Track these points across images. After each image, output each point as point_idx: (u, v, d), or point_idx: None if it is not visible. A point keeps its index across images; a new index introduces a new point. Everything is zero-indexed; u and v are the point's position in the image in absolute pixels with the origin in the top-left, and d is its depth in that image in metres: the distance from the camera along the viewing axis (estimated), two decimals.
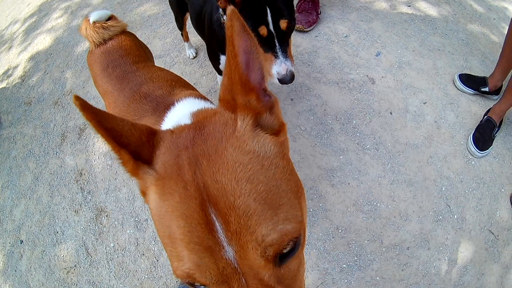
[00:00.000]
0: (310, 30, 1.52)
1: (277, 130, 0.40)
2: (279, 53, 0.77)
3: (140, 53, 0.85)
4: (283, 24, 0.74)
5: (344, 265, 1.09)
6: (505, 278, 1.17)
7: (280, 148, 0.38)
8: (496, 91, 1.50)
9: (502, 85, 1.49)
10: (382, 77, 1.40)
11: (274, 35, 0.76)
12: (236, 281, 0.32)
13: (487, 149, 1.33)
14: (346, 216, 1.12)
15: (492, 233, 1.25)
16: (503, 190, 1.33)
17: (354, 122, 1.27)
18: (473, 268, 1.18)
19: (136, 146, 0.37)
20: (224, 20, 0.86)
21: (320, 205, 1.11)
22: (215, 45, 0.97)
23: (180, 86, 0.73)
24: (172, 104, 0.63)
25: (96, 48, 0.83)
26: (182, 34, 1.42)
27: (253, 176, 0.33)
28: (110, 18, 0.87)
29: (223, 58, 0.99)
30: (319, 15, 1.54)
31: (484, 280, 1.17)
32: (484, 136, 1.33)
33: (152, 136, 0.39)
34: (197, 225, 0.32)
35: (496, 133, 1.36)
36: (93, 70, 0.83)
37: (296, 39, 1.47)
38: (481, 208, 1.29)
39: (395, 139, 1.28)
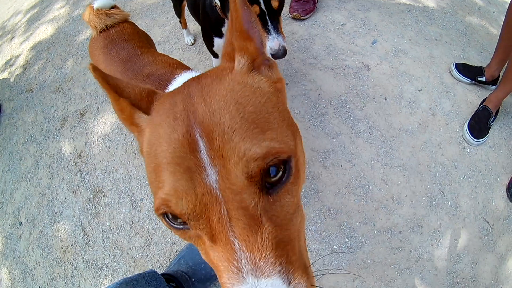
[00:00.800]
0: (307, 18, 1.55)
1: (275, 81, 0.41)
2: (271, 30, 0.82)
3: (142, 39, 0.90)
4: (274, 3, 0.80)
5: (335, 247, 1.11)
6: (499, 269, 1.17)
7: (275, 90, 0.39)
8: (493, 81, 1.52)
9: (499, 76, 1.51)
10: (377, 64, 1.43)
11: (266, 13, 0.80)
12: (216, 213, 0.30)
13: (483, 137, 1.34)
14: (338, 198, 1.14)
15: (487, 222, 1.26)
16: (498, 179, 1.34)
17: (348, 106, 1.30)
18: (467, 256, 1.19)
19: (135, 100, 0.41)
20: (215, 2, 0.91)
21: (312, 186, 1.14)
22: (209, 27, 1.02)
23: (181, 68, 0.77)
24: (174, 78, 0.67)
25: (99, 34, 0.87)
26: (180, 22, 1.47)
27: (244, 99, 0.33)
28: (113, 7, 0.92)
29: (216, 40, 1.03)
30: (316, 4, 1.58)
31: (478, 269, 1.17)
32: (479, 124, 1.34)
33: (152, 93, 0.41)
34: (180, 146, 0.31)
35: (492, 122, 1.37)
36: (96, 55, 0.87)
37: (292, 26, 1.51)
38: (476, 196, 1.29)
39: (389, 124, 1.30)
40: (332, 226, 1.12)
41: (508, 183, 1.29)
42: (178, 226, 0.33)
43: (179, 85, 0.41)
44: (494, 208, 1.27)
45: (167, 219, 0.33)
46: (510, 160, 1.37)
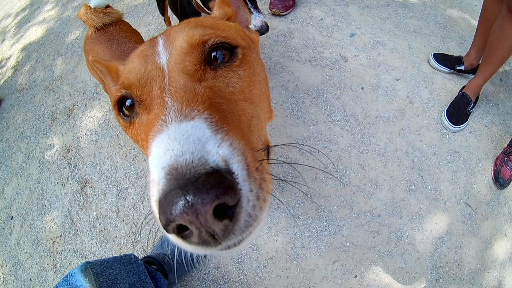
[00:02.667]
0: (286, 14, 1.65)
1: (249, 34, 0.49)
2: (252, 9, 0.95)
3: (139, 36, 0.99)
4: None
5: (313, 230, 1.18)
6: (485, 253, 1.22)
7: (246, 34, 0.46)
8: (472, 70, 1.59)
9: (478, 64, 1.59)
10: (355, 55, 1.52)
11: None
12: (159, 82, 0.33)
13: (462, 124, 1.41)
14: (316, 183, 1.22)
15: (470, 206, 1.31)
16: (480, 164, 1.40)
17: (325, 96, 1.38)
18: (450, 240, 1.24)
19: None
20: None
21: (290, 171, 1.22)
22: None
23: None
24: None
25: (96, 32, 0.94)
26: (164, 20, 1.57)
27: (206, 21, 0.41)
28: (107, 7, 1.00)
29: None
30: (295, 0, 1.68)
31: (462, 253, 1.22)
32: (458, 111, 1.41)
33: None
34: (143, 48, 0.39)
35: (471, 109, 1.44)
36: (94, 50, 0.93)
37: (272, 22, 1.61)
38: (457, 181, 1.35)
39: (366, 112, 1.38)
40: (310, 210, 1.19)
41: (494, 171, 1.35)
42: (126, 118, 0.37)
43: None
44: (477, 193, 1.32)
45: (120, 112, 0.38)
46: (492, 146, 1.44)
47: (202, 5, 1.00)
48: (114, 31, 0.94)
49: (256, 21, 0.97)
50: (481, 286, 1.17)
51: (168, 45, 0.37)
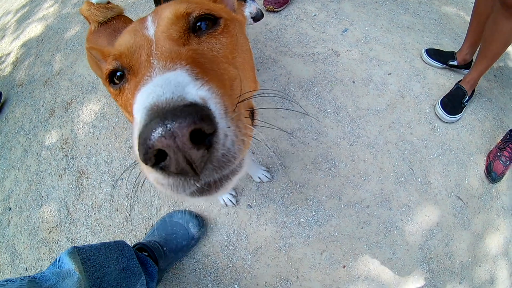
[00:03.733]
0: (280, 10, 1.71)
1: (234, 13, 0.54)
2: None
3: None
4: None
5: (302, 220, 1.22)
6: (476, 247, 1.24)
7: (231, 13, 0.50)
8: (465, 65, 1.63)
9: (471, 60, 1.63)
10: (347, 50, 1.57)
11: None
12: (147, 49, 0.36)
13: (457, 114, 1.43)
14: (305, 174, 1.27)
15: (461, 200, 1.34)
16: (472, 158, 1.44)
17: (316, 89, 1.43)
18: (440, 232, 1.26)
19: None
20: None
21: (279, 162, 1.27)
22: None
23: None
24: None
25: (99, 26, 0.98)
26: None
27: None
28: (108, 2, 1.04)
29: None
30: None
31: (453, 245, 1.24)
32: (452, 102, 1.43)
33: None
34: (134, 25, 0.43)
35: (466, 101, 1.47)
36: (98, 44, 0.96)
37: (266, 18, 1.67)
38: (448, 174, 1.38)
39: (356, 105, 1.43)
40: (299, 200, 1.24)
41: (486, 165, 1.38)
42: (116, 86, 0.41)
43: None
44: (468, 186, 1.35)
45: (110, 83, 0.42)
46: (484, 141, 1.47)
47: None
48: (117, 24, 0.99)
49: (251, 8, 1.07)
50: (473, 279, 1.19)
51: (156, 19, 0.41)
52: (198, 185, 0.28)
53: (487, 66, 1.36)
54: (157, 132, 0.24)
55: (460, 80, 1.49)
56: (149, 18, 0.43)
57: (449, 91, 1.50)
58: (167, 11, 0.41)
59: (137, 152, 0.27)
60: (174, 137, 0.24)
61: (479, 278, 1.20)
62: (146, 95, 0.27)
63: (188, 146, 0.24)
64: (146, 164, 0.26)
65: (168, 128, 0.24)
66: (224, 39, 0.42)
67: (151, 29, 0.40)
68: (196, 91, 0.27)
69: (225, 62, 0.39)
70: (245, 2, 1.07)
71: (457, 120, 1.46)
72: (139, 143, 0.25)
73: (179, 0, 0.44)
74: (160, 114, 0.25)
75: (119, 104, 0.45)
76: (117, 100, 0.44)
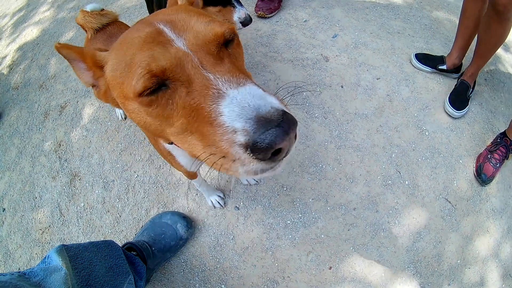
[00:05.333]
0: (271, 16, 1.78)
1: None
2: (236, 4, 1.11)
3: None
4: None
5: (289, 221, 1.28)
6: (465, 249, 1.28)
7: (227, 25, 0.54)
8: (455, 69, 1.70)
9: (461, 64, 1.69)
10: (336, 55, 1.63)
11: None
12: (189, 62, 0.40)
13: (464, 108, 1.54)
14: (292, 176, 1.32)
15: (449, 202, 1.38)
16: (461, 161, 1.48)
17: (304, 94, 1.49)
18: (428, 235, 1.30)
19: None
20: None
21: None
22: None
23: None
24: None
25: (96, 33, 1.02)
26: None
27: (192, 11, 0.48)
28: (102, 10, 1.09)
29: None
30: (281, 3, 1.80)
31: (441, 248, 1.27)
32: (459, 97, 1.54)
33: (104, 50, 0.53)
34: (149, 35, 0.42)
35: (470, 93, 1.57)
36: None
37: (257, 24, 1.73)
38: (436, 177, 1.43)
39: (344, 109, 1.49)
40: (285, 202, 1.29)
41: (476, 168, 1.42)
42: (148, 96, 0.41)
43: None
44: (457, 189, 1.39)
45: (145, 95, 0.41)
46: (474, 144, 1.52)
47: None
48: (114, 30, 1.03)
49: (240, 13, 1.13)
50: (462, 281, 1.22)
51: (181, 32, 0.42)
52: (278, 164, 0.38)
53: (484, 62, 1.50)
54: (280, 137, 0.33)
55: (461, 75, 1.59)
56: (166, 30, 0.42)
57: (454, 86, 1.60)
58: (200, 27, 0.43)
59: (243, 155, 0.35)
60: (289, 138, 0.34)
61: (468, 280, 1.22)
62: (239, 109, 0.35)
63: (293, 141, 0.36)
64: (261, 159, 0.35)
65: (285, 132, 0.33)
66: (240, 49, 0.50)
67: (178, 42, 0.41)
68: (275, 100, 0.37)
69: (243, 62, 0.49)
70: (234, 8, 1.13)
71: (465, 113, 1.56)
72: (258, 146, 0.33)
73: (195, 13, 0.47)
74: (273, 123, 0.33)
75: (150, 115, 0.44)
76: (150, 113, 0.44)
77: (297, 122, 0.36)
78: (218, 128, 0.35)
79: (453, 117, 1.54)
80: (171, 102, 0.41)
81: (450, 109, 1.53)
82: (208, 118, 0.36)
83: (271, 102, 0.35)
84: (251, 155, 0.34)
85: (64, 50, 0.52)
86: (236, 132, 0.34)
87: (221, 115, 0.35)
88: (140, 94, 0.40)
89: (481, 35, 1.40)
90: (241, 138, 0.34)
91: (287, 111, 0.36)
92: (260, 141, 0.33)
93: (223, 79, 0.38)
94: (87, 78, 0.55)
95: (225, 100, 0.36)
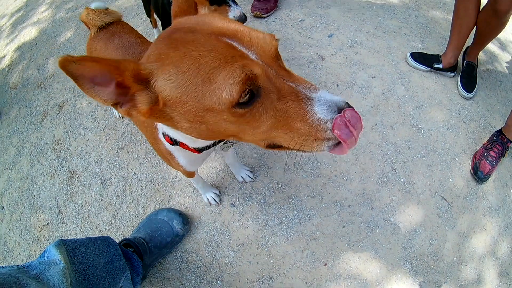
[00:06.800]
0: (268, 16, 1.81)
1: None
2: (231, 3, 1.14)
3: (139, 33, 1.10)
4: None
5: (284, 218, 1.31)
6: (462, 246, 1.30)
7: None
8: (451, 68, 1.73)
9: (456, 62, 1.73)
10: (332, 54, 1.67)
11: None
12: (270, 72, 0.46)
13: (474, 89, 1.66)
14: (287, 174, 1.35)
15: (445, 199, 1.40)
16: (457, 159, 1.51)
17: None
18: (424, 232, 1.32)
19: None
20: None
21: (262, 163, 1.36)
22: (167, 21, 1.28)
23: None
24: None
25: (99, 31, 1.05)
26: (151, 21, 1.74)
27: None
28: (106, 9, 1.12)
29: None
30: (277, 3, 1.84)
31: (437, 245, 1.29)
32: (469, 78, 1.66)
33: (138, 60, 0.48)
34: (223, 49, 0.44)
35: (475, 72, 1.70)
36: (97, 49, 1.05)
37: (253, 24, 1.77)
38: (432, 175, 1.45)
39: None
40: (280, 199, 1.32)
41: (472, 165, 1.45)
42: (245, 106, 0.45)
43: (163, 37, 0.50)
44: (453, 186, 1.41)
45: (238, 105, 0.45)
46: (470, 142, 1.55)
47: None
48: (116, 29, 1.06)
49: (235, 12, 1.17)
50: (459, 279, 1.24)
51: (249, 46, 0.46)
52: None
53: (485, 45, 1.64)
54: (356, 123, 0.46)
55: (464, 57, 1.71)
56: (234, 43, 0.45)
57: (462, 69, 1.71)
58: (263, 41, 0.48)
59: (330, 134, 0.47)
60: (360, 124, 0.47)
61: (465, 277, 1.24)
62: (327, 106, 0.46)
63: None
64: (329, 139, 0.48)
65: (358, 120, 0.47)
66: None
67: (252, 55, 0.45)
68: (339, 96, 0.48)
69: None
70: (229, 7, 1.17)
71: (476, 93, 1.69)
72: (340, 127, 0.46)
73: (252, 29, 0.50)
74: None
75: (235, 120, 0.48)
76: (242, 119, 0.47)
77: None
78: (311, 121, 0.46)
79: (467, 99, 1.67)
80: (262, 108, 0.47)
81: (465, 94, 1.64)
82: (302, 116, 0.46)
83: (340, 99, 0.48)
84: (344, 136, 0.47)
85: (88, 63, 0.40)
86: (327, 122, 0.46)
87: (316, 113, 0.46)
88: (234, 105, 0.44)
89: (480, 27, 1.50)
90: (328, 123, 0.46)
91: (349, 103, 0.49)
92: (342, 122, 0.46)
93: (303, 87, 0.47)
94: (109, 95, 0.46)
95: (314, 102, 0.46)
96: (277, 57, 0.50)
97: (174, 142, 0.70)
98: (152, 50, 0.48)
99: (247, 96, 0.44)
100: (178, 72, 0.44)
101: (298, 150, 0.51)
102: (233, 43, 0.45)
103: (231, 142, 0.89)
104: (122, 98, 0.47)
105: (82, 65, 0.40)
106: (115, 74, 0.43)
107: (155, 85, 0.46)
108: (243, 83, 0.42)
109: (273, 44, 0.49)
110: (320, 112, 0.46)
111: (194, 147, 0.72)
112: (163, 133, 0.72)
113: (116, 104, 0.48)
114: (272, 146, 0.54)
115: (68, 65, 0.39)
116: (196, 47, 0.44)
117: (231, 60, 0.43)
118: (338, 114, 0.45)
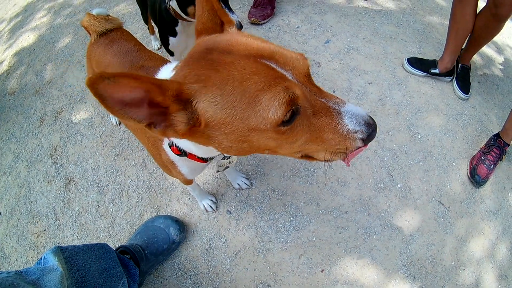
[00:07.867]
0: (264, 23, 1.84)
1: None
2: (227, 11, 1.13)
3: (138, 41, 1.12)
4: None
5: (280, 225, 1.33)
6: (460, 251, 1.31)
7: None
8: (447, 73, 1.76)
9: (453, 67, 1.76)
10: (328, 61, 1.70)
11: None
12: (305, 91, 0.50)
13: (469, 90, 1.72)
14: (283, 180, 1.37)
15: (443, 204, 1.41)
16: (454, 164, 1.53)
17: None
18: (421, 237, 1.33)
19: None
20: (168, 6, 1.20)
21: (258, 170, 1.38)
22: (164, 28, 1.31)
23: (164, 62, 0.94)
24: (159, 70, 0.71)
25: (99, 38, 1.07)
26: (148, 28, 1.77)
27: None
28: (108, 16, 1.14)
29: (171, 39, 1.32)
30: (274, 9, 1.87)
31: (435, 250, 1.31)
32: (464, 81, 1.72)
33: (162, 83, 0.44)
34: (264, 72, 0.46)
35: (469, 74, 1.77)
36: (96, 54, 1.07)
37: (250, 31, 1.80)
38: (429, 180, 1.47)
39: None
40: (277, 206, 1.34)
41: (470, 170, 1.46)
42: (286, 124, 0.49)
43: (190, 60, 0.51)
44: (450, 191, 1.43)
45: (282, 124, 0.48)
46: (467, 146, 1.57)
47: (179, 13, 1.19)
48: (116, 36, 1.08)
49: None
50: (457, 283, 1.25)
51: (286, 67, 0.49)
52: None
53: (480, 48, 1.71)
54: (375, 131, 0.54)
55: (458, 60, 1.77)
56: (275, 66, 0.48)
57: (456, 73, 1.77)
58: (296, 62, 0.51)
59: (357, 134, 0.53)
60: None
61: (463, 281, 1.26)
62: (355, 119, 0.53)
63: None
64: (364, 141, 0.54)
65: (377, 127, 0.55)
66: None
67: (289, 76, 0.49)
68: (362, 109, 0.55)
69: None
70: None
71: (471, 95, 1.75)
72: (369, 138, 0.54)
73: (285, 49, 0.54)
74: (373, 124, 0.54)
75: (278, 138, 0.52)
76: (283, 136, 0.51)
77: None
78: (341, 132, 0.53)
79: (464, 100, 1.73)
80: (300, 124, 0.51)
81: (462, 95, 1.71)
82: (333, 128, 0.52)
83: (364, 112, 0.55)
84: (363, 142, 0.54)
85: (125, 80, 0.36)
86: (356, 132, 0.53)
87: (346, 125, 0.52)
88: (278, 124, 0.48)
89: (477, 31, 1.54)
90: (360, 135, 0.53)
91: (371, 115, 0.56)
92: (371, 135, 0.54)
93: (333, 102, 0.53)
94: (142, 116, 0.43)
95: (344, 115, 0.52)
96: (309, 75, 0.54)
97: (182, 153, 0.72)
98: (188, 71, 0.48)
99: (289, 115, 0.48)
100: (222, 94, 0.46)
101: (328, 160, 0.58)
102: (271, 64, 0.47)
103: (228, 162, 0.96)
104: (156, 118, 0.45)
105: (116, 83, 0.35)
106: (156, 93, 0.41)
107: (196, 106, 0.47)
108: (288, 104, 0.46)
109: (305, 64, 0.53)
110: (350, 123, 0.52)
111: (204, 157, 0.75)
112: (169, 144, 0.74)
113: (149, 125, 0.45)
114: (306, 156, 0.60)
115: (99, 83, 0.34)
116: (237, 70, 0.46)
117: (274, 82, 0.46)
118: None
